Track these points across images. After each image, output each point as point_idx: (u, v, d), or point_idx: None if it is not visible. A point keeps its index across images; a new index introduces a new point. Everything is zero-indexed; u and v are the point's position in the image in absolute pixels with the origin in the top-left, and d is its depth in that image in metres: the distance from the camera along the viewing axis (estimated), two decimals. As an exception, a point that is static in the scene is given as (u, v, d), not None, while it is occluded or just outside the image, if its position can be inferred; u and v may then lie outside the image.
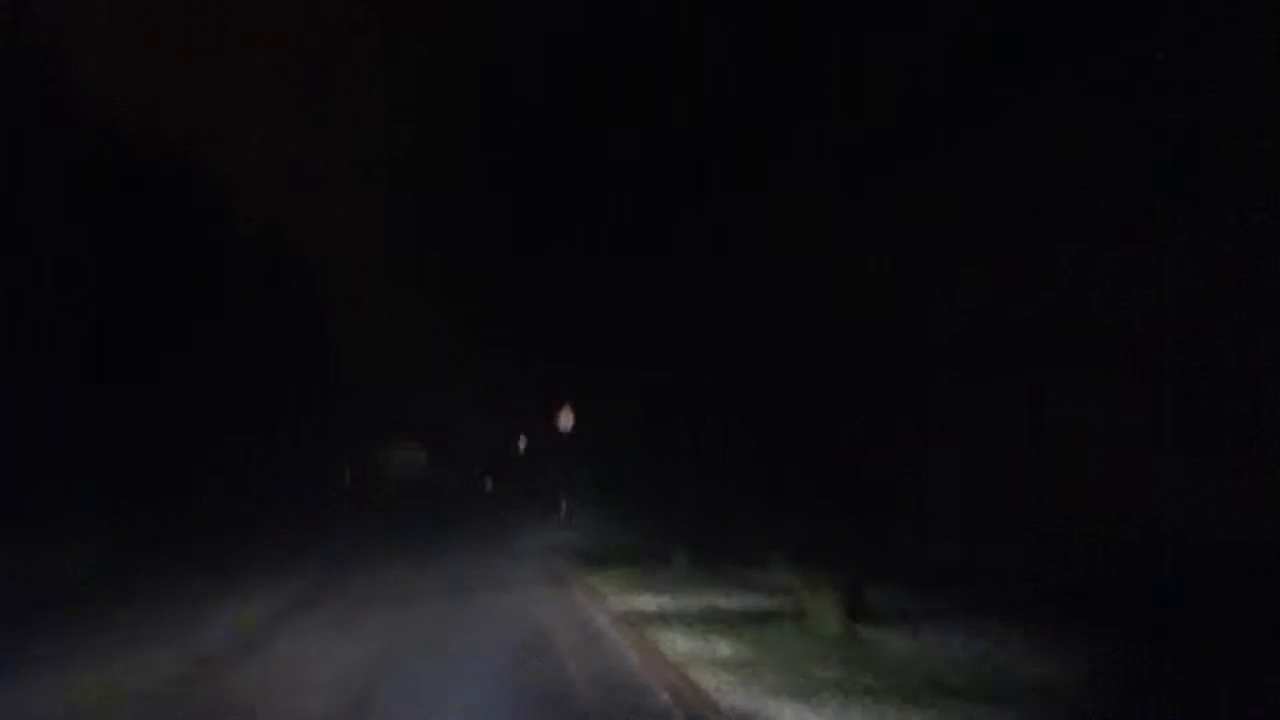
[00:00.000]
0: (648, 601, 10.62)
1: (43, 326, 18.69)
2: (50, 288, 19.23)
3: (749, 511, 17.16)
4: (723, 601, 10.64)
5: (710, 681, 6.93)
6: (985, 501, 12.82)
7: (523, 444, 44.97)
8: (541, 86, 15.86)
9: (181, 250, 25.76)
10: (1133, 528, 10.24)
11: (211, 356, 27.70)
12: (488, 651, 8.25)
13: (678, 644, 8.31)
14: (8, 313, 17.46)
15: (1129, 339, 10.59)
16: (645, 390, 20.00)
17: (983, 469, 12.83)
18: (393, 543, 19.46)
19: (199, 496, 25.21)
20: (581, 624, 9.75)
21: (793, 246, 14.04)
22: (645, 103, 14.78)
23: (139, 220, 23.21)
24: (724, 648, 8.15)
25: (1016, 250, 12.64)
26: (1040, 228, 12.49)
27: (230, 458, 29.42)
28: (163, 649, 8.06)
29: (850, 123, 13.28)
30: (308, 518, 26.06)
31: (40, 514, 16.89)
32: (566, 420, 25.92)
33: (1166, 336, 10.22)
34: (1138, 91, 10.45)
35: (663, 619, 9.51)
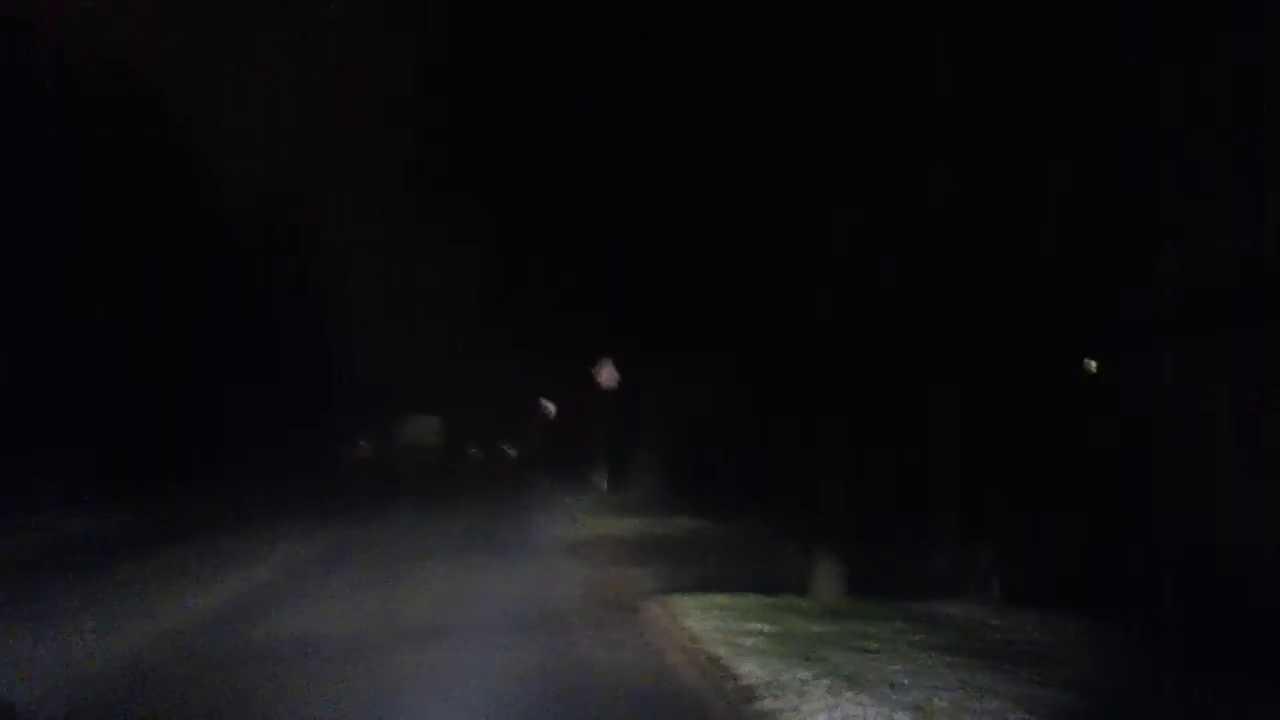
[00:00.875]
0: (855, 706, 5.10)
1: (42, 325, 17.69)
2: (48, 285, 18.11)
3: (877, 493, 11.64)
4: None
5: None
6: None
7: (552, 411, 39.94)
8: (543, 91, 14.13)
9: (183, 232, 22.94)
10: None
11: (219, 335, 25.03)
12: None
13: None
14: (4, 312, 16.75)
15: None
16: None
17: None
18: (387, 536, 13.96)
19: (208, 482, 22.66)
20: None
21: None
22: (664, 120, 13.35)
23: (144, 215, 21.03)
24: None
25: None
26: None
27: (240, 434, 26.91)
28: None
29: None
30: (302, 498, 20.97)
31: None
32: (609, 376, 20.72)
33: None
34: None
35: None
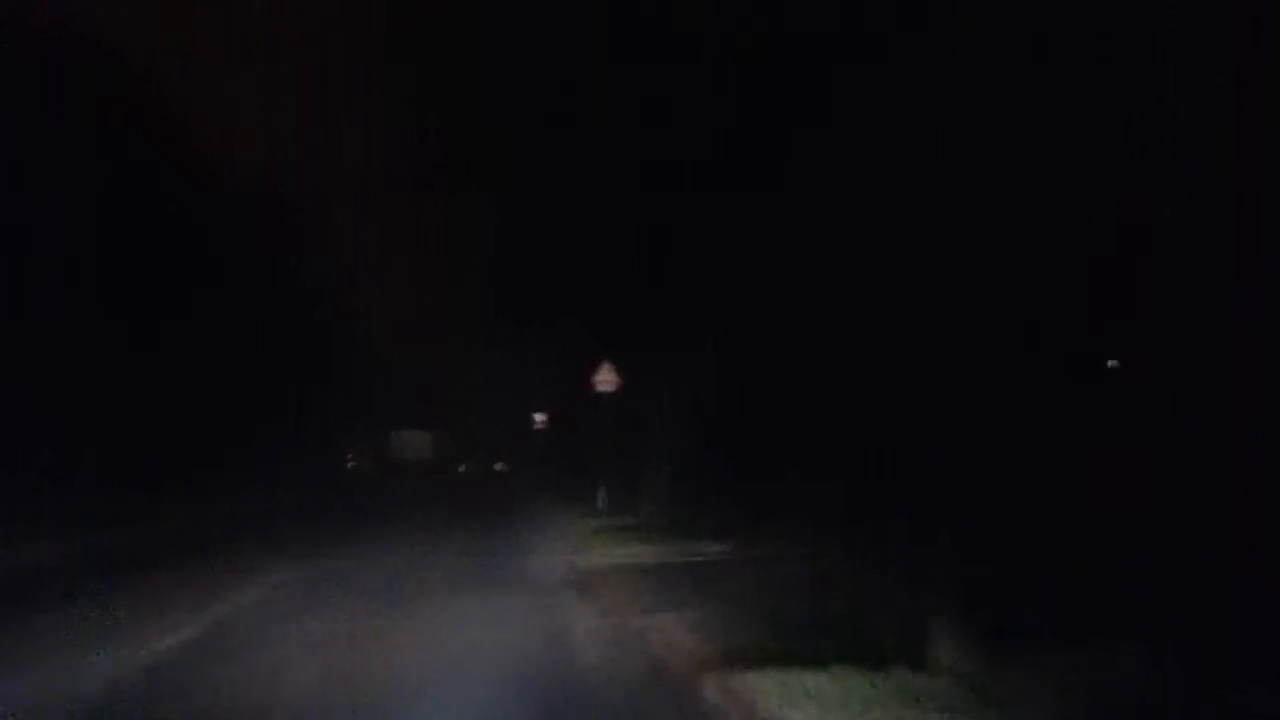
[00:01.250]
0: None
1: (39, 320, 17.99)
2: (46, 282, 18.45)
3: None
4: None
5: None
6: None
7: (541, 421, 39.63)
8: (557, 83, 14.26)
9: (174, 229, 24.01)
10: None
11: (210, 348, 25.74)
12: None
13: None
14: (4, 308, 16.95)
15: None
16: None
17: None
18: (362, 569, 11.69)
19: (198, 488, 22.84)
20: None
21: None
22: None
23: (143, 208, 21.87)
24: None
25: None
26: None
27: (229, 443, 27.63)
28: None
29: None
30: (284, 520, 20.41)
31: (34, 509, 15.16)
32: (607, 380, 20.28)
33: None
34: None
35: None
